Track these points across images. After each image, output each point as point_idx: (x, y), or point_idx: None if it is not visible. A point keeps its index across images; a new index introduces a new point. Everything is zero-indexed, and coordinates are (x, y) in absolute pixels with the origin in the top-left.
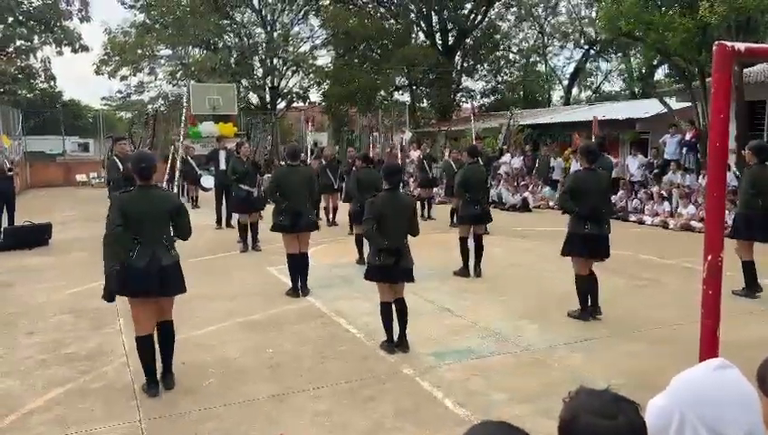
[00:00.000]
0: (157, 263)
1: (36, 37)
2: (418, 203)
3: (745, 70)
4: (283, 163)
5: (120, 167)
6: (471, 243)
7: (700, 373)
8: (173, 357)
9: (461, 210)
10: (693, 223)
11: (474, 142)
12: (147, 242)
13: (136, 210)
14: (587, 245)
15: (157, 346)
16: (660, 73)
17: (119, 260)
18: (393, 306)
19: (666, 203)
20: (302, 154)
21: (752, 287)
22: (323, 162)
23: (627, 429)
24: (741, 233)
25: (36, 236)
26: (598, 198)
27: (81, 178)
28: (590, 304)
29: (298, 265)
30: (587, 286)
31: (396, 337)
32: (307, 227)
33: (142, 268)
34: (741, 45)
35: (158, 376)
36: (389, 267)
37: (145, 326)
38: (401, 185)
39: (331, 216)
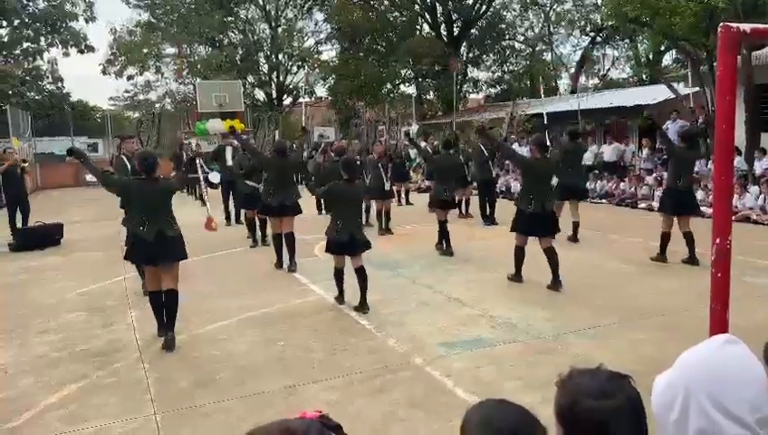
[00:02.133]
0: (162, 235)
1: (43, 39)
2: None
3: (754, 53)
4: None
5: (129, 165)
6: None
7: (707, 349)
8: (175, 320)
9: (433, 196)
10: (702, 208)
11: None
12: (153, 220)
13: (143, 196)
14: (532, 222)
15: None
16: (668, 59)
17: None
18: (355, 274)
19: None
20: (289, 149)
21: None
22: (333, 156)
23: (627, 405)
24: (667, 208)
25: (48, 237)
26: (545, 182)
27: (90, 178)
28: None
29: (283, 244)
30: (522, 257)
31: (358, 301)
32: (290, 210)
33: (151, 240)
34: (746, 26)
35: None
36: (345, 243)
37: (154, 284)
38: (358, 176)
39: None
